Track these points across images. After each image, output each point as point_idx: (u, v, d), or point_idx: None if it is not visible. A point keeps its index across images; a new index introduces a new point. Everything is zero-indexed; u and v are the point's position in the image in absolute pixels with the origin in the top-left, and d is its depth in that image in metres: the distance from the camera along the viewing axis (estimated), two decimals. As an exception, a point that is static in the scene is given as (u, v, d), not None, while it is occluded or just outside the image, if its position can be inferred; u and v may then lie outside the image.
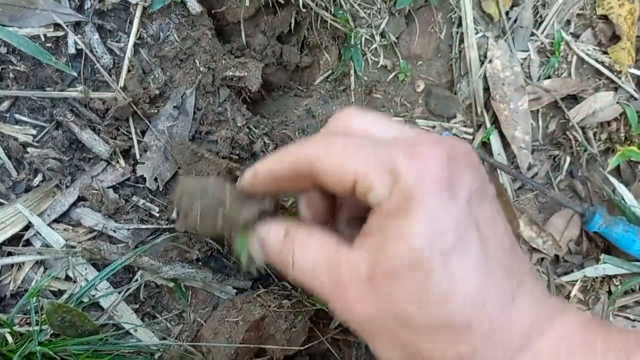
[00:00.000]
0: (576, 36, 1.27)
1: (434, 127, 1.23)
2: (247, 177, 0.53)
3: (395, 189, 0.40)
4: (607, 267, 1.22)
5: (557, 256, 1.25)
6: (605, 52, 1.27)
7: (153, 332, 1.05)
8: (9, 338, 0.97)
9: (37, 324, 0.95)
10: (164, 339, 1.05)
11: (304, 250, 0.47)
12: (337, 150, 0.44)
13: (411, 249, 0.38)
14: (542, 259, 1.25)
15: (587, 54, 1.26)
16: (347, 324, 0.45)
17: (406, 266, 0.38)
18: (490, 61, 1.22)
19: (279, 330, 1.01)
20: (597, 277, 1.24)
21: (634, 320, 1.25)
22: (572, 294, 1.24)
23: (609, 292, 1.25)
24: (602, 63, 1.26)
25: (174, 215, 0.59)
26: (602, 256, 1.23)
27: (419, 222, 0.38)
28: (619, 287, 1.22)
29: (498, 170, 1.23)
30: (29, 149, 1.03)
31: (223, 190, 0.54)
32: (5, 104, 1.03)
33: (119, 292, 1.03)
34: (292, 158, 0.47)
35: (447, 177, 0.40)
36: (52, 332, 0.96)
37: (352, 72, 1.21)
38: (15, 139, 1.02)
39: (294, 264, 0.47)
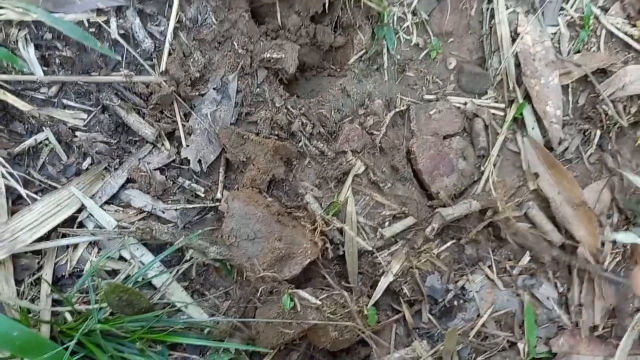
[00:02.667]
0: (605, 10, 1.28)
1: (465, 103, 1.25)
2: None
3: None
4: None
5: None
6: (634, 25, 1.28)
7: (202, 308, 1.08)
8: (69, 317, 1.00)
9: (95, 303, 0.98)
10: (213, 315, 1.08)
11: None
12: None
13: None
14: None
15: (616, 27, 1.27)
16: None
17: None
18: (521, 37, 1.23)
19: (327, 336, 1.05)
20: (627, 245, 1.27)
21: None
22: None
23: None
24: (631, 36, 1.27)
25: None
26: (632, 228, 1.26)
27: None
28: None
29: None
30: (77, 133, 1.05)
31: None
32: (54, 89, 1.05)
33: (171, 272, 1.06)
34: None
35: None
36: (110, 310, 0.99)
37: (385, 51, 1.22)
38: (65, 124, 1.04)
39: None
